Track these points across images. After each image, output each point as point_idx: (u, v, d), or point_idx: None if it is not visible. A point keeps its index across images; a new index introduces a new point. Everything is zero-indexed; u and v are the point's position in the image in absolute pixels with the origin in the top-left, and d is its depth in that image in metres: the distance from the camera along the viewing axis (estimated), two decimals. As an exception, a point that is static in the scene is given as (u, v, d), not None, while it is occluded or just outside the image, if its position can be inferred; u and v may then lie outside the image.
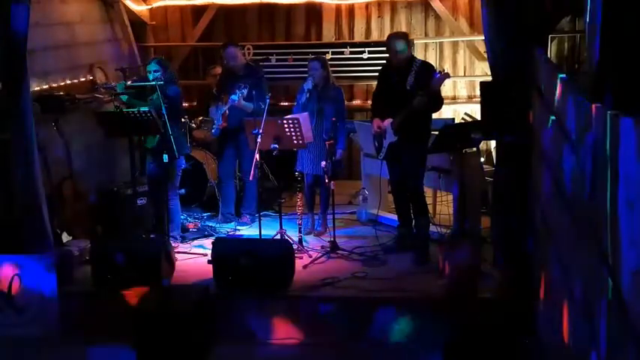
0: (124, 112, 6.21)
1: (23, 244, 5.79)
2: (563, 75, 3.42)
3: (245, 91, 6.85)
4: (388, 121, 6.06)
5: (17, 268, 5.58)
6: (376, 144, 6.26)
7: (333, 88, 6.73)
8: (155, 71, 6.39)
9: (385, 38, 6.57)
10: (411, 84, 5.96)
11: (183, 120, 7.40)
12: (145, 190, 6.88)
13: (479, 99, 5.86)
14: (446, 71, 5.98)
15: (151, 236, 6.64)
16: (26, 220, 5.87)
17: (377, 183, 6.93)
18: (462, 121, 8.07)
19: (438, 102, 6.05)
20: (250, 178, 6.41)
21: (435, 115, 6.44)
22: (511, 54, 5.31)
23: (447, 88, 9.06)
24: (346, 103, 8.41)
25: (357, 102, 9.13)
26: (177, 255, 6.21)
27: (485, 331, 4.73)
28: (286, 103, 8.81)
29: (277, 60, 9.04)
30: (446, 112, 8.90)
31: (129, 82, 6.80)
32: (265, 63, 8.65)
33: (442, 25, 8.99)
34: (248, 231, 7.07)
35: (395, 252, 6.29)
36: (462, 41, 8.96)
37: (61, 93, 7.07)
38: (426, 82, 5.85)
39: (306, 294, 5.53)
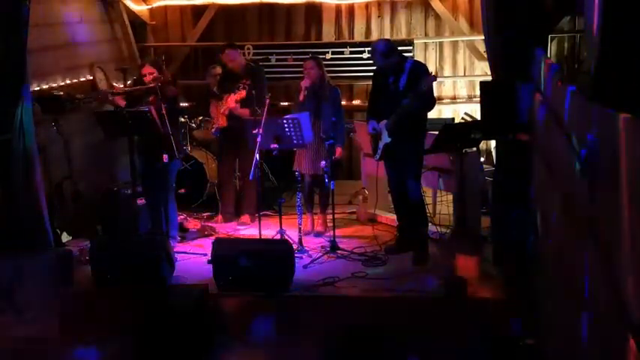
0: (123, 112, 6.21)
1: (23, 244, 5.79)
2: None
3: (244, 93, 6.86)
4: (383, 123, 6.06)
5: (17, 268, 5.57)
6: (372, 145, 6.27)
7: (329, 87, 6.73)
8: (150, 73, 6.38)
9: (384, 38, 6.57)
10: (403, 84, 5.96)
11: (183, 120, 7.39)
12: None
13: (479, 99, 5.87)
14: (433, 73, 5.98)
15: (151, 236, 6.64)
16: (26, 220, 5.88)
17: (377, 183, 6.93)
18: (462, 121, 8.08)
19: (429, 102, 6.02)
20: (250, 178, 6.42)
21: (435, 115, 6.44)
22: (511, 54, 5.31)
23: (447, 88, 9.08)
24: (346, 103, 8.44)
25: (357, 102, 9.13)
26: (177, 255, 6.21)
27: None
28: (286, 103, 8.82)
29: (277, 60, 9.05)
30: (446, 112, 8.91)
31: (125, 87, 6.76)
32: (265, 63, 8.65)
33: (442, 25, 9.00)
34: (248, 231, 7.07)
35: (395, 252, 6.29)
36: (462, 41, 8.96)
37: (61, 93, 7.07)
38: (417, 83, 5.84)
39: (306, 294, 5.53)
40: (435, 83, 6.14)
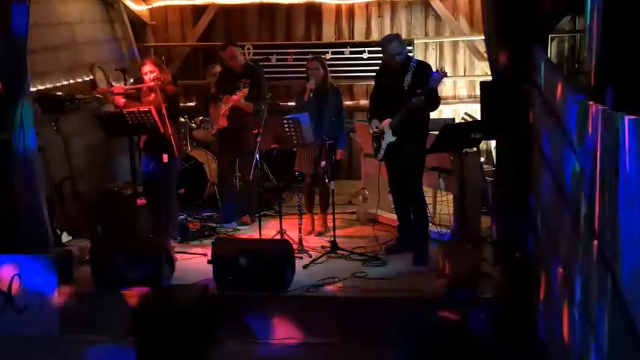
0: (123, 112, 6.21)
1: (23, 244, 5.79)
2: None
3: (245, 91, 6.85)
4: (386, 122, 6.06)
5: (17, 268, 5.58)
6: (374, 144, 6.26)
7: (331, 88, 6.73)
8: (150, 72, 6.37)
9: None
10: (409, 83, 5.95)
11: (183, 120, 7.37)
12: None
13: (479, 99, 5.86)
14: (444, 70, 5.97)
15: (151, 236, 6.64)
16: (26, 220, 5.87)
17: (377, 183, 6.93)
18: (462, 121, 8.07)
19: (435, 101, 6.03)
20: (250, 178, 6.41)
21: (435, 115, 6.42)
22: (511, 54, 5.31)
23: (447, 88, 9.07)
24: (346, 103, 8.43)
25: (357, 102, 9.13)
26: (177, 255, 6.21)
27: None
28: (286, 103, 8.81)
29: (277, 60, 9.05)
30: (446, 112, 8.91)
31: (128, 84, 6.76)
32: (265, 63, 8.65)
33: (442, 25, 9.00)
34: (248, 231, 7.06)
35: (395, 252, 6.29)
36: (462, 41, 8.96)
37: (61, 93, 7.06)
38: (424, 81, 5.83)
39: (306, 294, 5.52)
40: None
